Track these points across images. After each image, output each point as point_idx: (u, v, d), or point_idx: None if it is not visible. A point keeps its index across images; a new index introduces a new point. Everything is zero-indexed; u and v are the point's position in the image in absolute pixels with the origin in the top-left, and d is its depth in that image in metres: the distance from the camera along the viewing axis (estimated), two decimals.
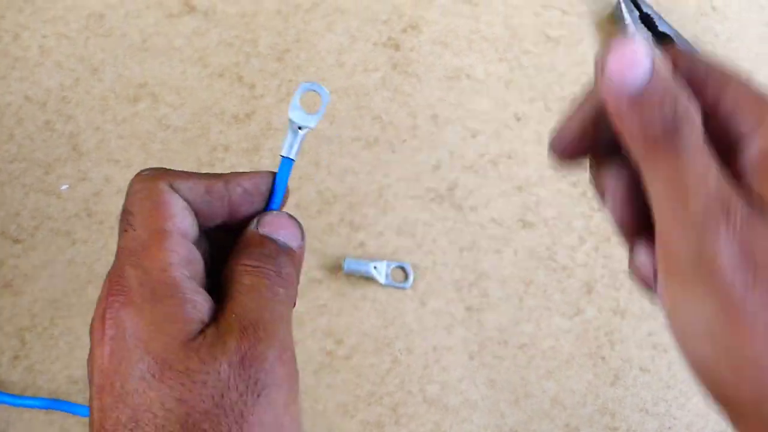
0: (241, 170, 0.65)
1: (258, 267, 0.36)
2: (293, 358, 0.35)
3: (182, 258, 0.34)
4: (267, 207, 0.40)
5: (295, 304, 0.38)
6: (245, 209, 0.39)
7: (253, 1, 0.73)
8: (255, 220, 0.38)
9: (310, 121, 0.39)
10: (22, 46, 0.70)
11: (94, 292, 0.62)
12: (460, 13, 0.73)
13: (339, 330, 0.62)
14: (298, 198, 0.65)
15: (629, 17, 0.72)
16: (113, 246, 0.64)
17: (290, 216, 0.39)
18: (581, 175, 0.68)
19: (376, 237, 0.65)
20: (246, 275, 0.35)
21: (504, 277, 0.65)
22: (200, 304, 0.34)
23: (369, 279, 0.63)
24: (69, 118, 0.67)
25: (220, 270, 0.37)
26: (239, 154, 0.67)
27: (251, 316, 0.34)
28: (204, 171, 0.65)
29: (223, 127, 0.68)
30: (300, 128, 0.39)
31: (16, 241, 0.63)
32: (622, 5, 0.72)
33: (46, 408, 0.58)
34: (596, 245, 0.66)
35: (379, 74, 0.71)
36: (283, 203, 0.40)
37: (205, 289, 0.36)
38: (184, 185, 0.37)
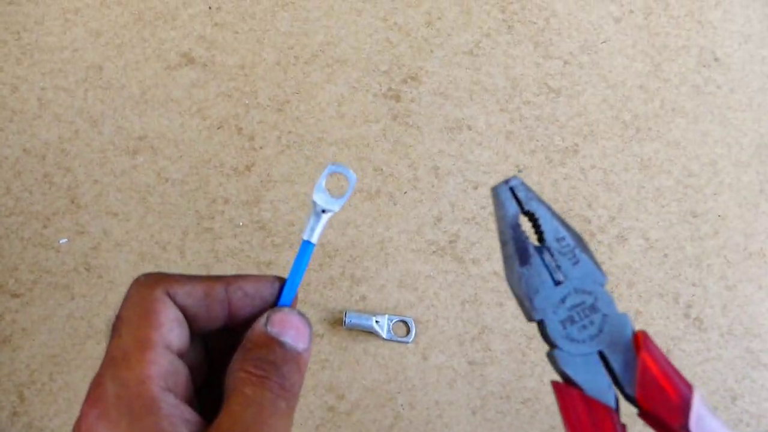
0: (241, 223, 0.69)
1: (261, 377, 0.36)
2: None
3: (163, 371, 0.35)
4: (279, 298, 0.40)
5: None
6: (246, 313, 0.40)
7: (252, 52, 0.76)
8: (265, 316, 0.39)
9: (335, 205, 0.39)
10: (21, 98, 0.73)
11: (93, 347, 0.65)
12: (460, 64, 0.77)
13: (341, 385, 0.65)
14: None
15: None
16: (112, 300, 0.67)
17: (301, 315, 0.39)
18: (580, 226, 0.71)
19: (377, 290, 0.68)
20: (248, 385, 0.36)
21: (506, 330, 0.67)
22: (178, 419, 0.34)
23: (371, 333, 0.66)
24: (67, 170, 0.71)
25: (220, 373, 0.38)
26: (239, 207, 0.70)
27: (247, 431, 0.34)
28: (204, 224, 0.69)
29: (222, 180, 0.71)
30: (323, 211, 0.39)
31: (15, 295, 0.66)
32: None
33: None
34: None
35: (379, 125, 0.74)
36: (295, 299, 0.41)
37: (193, 400, 0.37)
38: (181, 290, 0.38)
